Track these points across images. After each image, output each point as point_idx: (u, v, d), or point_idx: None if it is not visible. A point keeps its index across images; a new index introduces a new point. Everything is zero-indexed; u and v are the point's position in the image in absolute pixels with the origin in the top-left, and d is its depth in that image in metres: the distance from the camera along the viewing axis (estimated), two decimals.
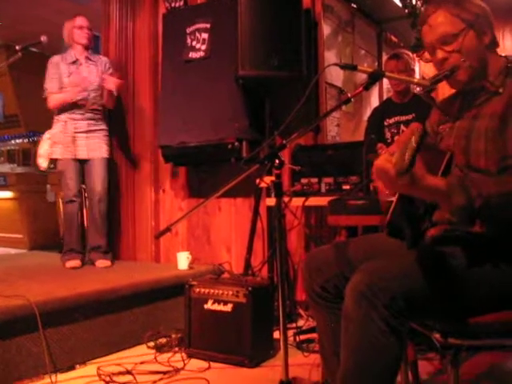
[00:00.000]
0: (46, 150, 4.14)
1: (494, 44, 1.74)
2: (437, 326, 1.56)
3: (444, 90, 1.91)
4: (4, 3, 6.20)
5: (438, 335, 1.55)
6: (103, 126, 4.25)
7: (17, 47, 3.29)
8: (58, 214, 5.95)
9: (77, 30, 4.19)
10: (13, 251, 6.08)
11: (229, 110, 3.85)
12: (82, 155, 4.12)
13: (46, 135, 4.21)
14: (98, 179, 4.13)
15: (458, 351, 1.55)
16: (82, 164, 4.16)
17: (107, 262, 4.10)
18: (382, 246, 1.81)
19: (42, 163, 4.17)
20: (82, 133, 4.12)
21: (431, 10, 1.72)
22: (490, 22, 1.71)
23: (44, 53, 4.38)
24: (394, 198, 1.80)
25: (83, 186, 4.26)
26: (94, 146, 4.14)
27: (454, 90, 1.86)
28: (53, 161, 4.14)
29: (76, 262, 4.01)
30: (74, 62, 4.17)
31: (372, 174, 1.47)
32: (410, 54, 4.03)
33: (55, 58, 4.20)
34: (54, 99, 4.10)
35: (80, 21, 4.20)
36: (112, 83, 4.13)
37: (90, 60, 4.23)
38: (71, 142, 4.07)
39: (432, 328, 1.58)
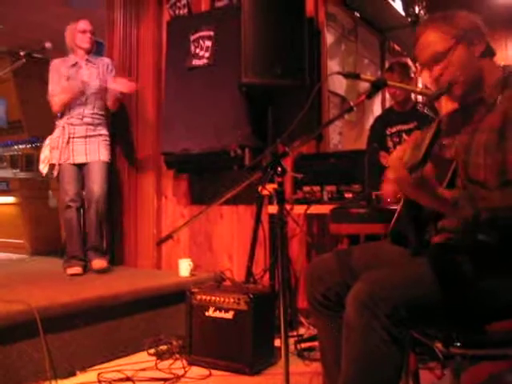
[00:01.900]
0: (47, 157, 4.12)
1: (489, 53, 1.76)
2: (439, 335, 1.56)
3: (447, 105, 1.94)
4: (8, 9, 6.23)
5: (439, 344, 1.55)
6: (103, 132, 4.20)
7: (21, 53, 3.31)
8: (59, 219, 5.96)
9: (79, 33, 4.16)
10: (14, 256, 6.08)
11: (232, 118, 3.86)
12: (80, 160, 4.07)
13: (47, 141, 4.21)
14: (95, 181, 4.05)
15: (459, 360, 1.55)
16: (81, 169, 4.11)
17: (103, 263, 4.03)
18: (384, 254, 1.82)
19: (43, 169, 4.15)
20: (80, 138, 4.08)
21: (421, 30, 1.78)
22: (481, 33, 1.74)
23: (48, 59, 4.40)
24: (397, 206, 1.80)
25: (83, 192, 4.18)
26: (92, 151, 4.09)
27: (456, 105, 1.88)
28: (51, 166, 4.10)
29: (77, 269, 3.95)
30: (74, 65, 4.14)
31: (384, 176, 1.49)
32: (409, 62, 4.01)
33: (55, 62, 4.18)
34: (55, 102, 4.09)
35: (83, 24, 4.17)
36: (123, 85, 4.10)
37: (91, 62, 4.19)
38: (68, 147, 4.04)
39: (434, 337, 1.58)
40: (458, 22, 1.73)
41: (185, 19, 4.39)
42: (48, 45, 3.34)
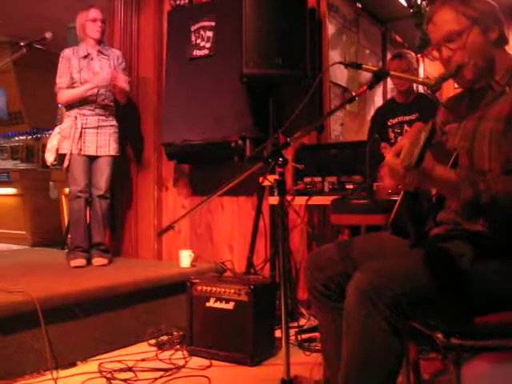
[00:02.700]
0: (54, 146, 4.09)
1: (503, 41, 1.72)
2: (440, 325, 1.56)
3: (448, 90, 1.92)
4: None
5: (440, 335, 1.55)
6: (113, 122, 4.18)
7: (21, 43, 3.28)
8: (60, 210, 5.96)
9: (90, 22, 4.09)
10: (15, 247, 6.10)
11: (233, 109, 3.85)
12: (91, 152, 4.04)
13: (56, 130, 4.18)
14: (102, 177, 4.06)
15: (460, 351, 1.55)
16: (91, 160, 4.08)
17: (104, 261, 4.01)
18: (385, 245, 1.81)
19: (49, 158, 4.11)
20: (92, 128, 4.05)
21: (436, 7, 1.73)
22: (497, 19, 1.70)
23: (48, 50, 4.37)
24: (397, 197, 1.79)
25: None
26: (103, 143, 4.07)
27: (459, 89, 1.86)
28: (60, 156, 4.06)
29: (81, 261, 3.93)
30: (85, 57, 4.08)
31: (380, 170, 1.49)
32: (413, 54, 4.03)
33: (66, 52, 4.11)
34: (64, 95, 4.05)
35: (93, 13, 4.10)
36: (123, 81, 4.09)
37: (103, 54, 4.15)
38: (80, 138, 4.00)
39: (434, 328, 1.57)
40: (475, 4, 1.68)
41: (186, 9, 4.38)
42: (48, 35, 3.31)
